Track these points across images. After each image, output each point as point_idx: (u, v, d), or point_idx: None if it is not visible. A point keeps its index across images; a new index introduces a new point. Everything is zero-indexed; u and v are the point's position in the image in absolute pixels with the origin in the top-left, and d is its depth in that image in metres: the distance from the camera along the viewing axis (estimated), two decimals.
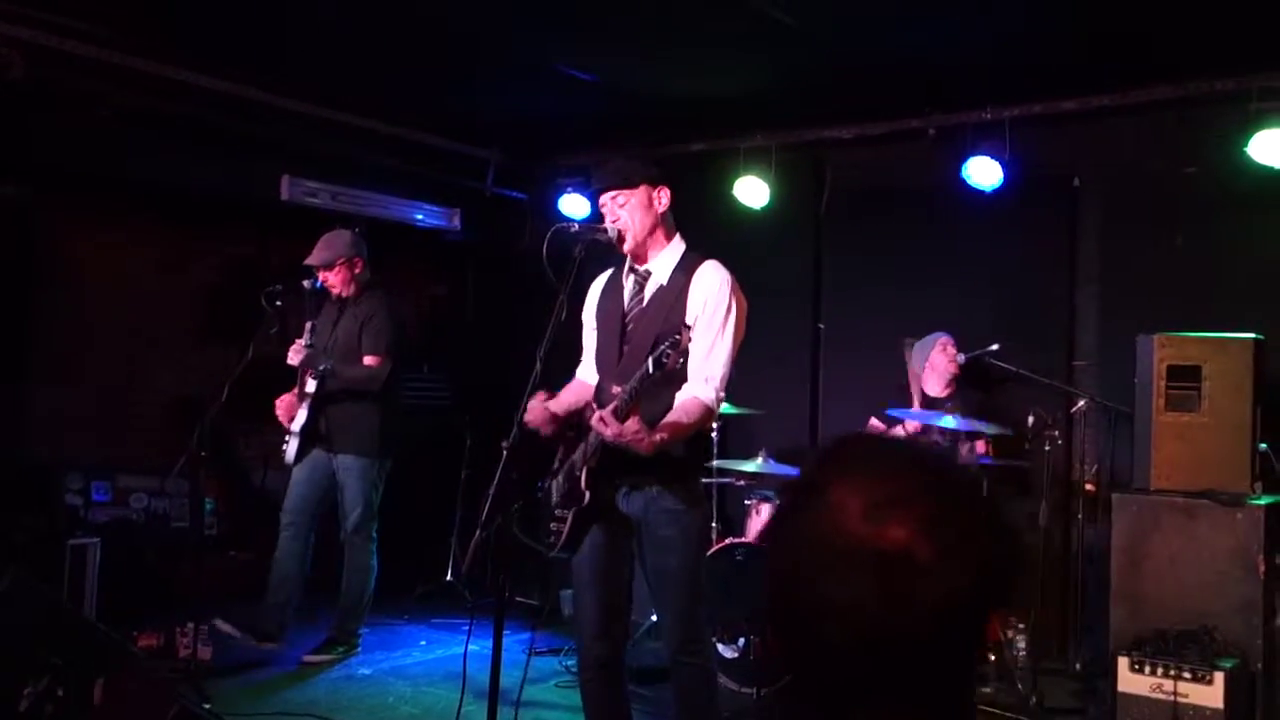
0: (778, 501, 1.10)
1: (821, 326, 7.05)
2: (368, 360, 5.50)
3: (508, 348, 6.55)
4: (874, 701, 1.04)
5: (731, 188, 6.71)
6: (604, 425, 3.06)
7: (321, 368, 5.37)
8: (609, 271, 3.63)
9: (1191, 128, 5.68)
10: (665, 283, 3.41)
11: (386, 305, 5.62)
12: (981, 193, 5.95)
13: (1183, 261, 5.71)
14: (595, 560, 3.41)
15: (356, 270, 5.61)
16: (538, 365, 3.14)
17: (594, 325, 3.60)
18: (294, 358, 5.39)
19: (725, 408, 5.76)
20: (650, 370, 3.01)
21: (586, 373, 3.66)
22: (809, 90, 6.10)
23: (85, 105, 5.93)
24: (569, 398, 3.56)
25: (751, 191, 6.68)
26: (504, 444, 3.03)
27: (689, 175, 6.88)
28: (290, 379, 5.55)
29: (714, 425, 5.83)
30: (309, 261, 5.54)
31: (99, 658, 4.07)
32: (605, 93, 6.21)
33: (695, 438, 3.41)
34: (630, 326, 3.41)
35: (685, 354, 3.03)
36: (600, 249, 3.44)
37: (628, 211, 3.39)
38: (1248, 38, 5.02)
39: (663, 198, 3.45)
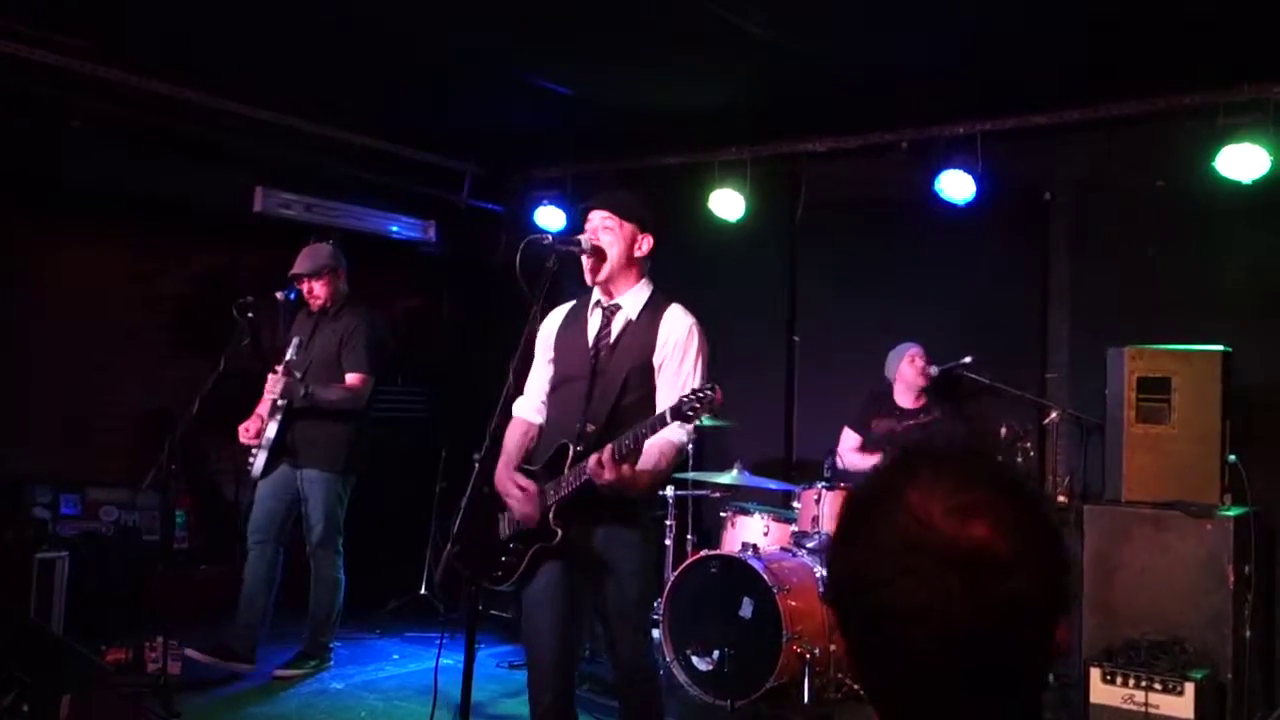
0: (843, 513, 1.13)
1: (796, 338, 7.07)
2: (350, 378, 5.43)
3: (483, 360, 6.53)
4: (952, 708, 1.06)
5: (707, 200, 6.73)
6: (602, 469, 3.01)
7: (303, 393, 5.27)
8: (568, 305, 3.60)
9: (1161, 143, 5.74)
10: (634, 319, 3.42)
11: (368, 321, 5.57)
12: (954, 206, 5.99)
13: (1153, 274, 5.77)
14: (552, 598, 3.33)
15: (340, 282, 5.58)
16: (510, 378, 3.13)
17: (551, 356, 3.56)
18: (273, 389, 5.26)
19: (702, 419, 5.77)
20: (669, 419, 2.99)
21: (528, 409, 3.59)
22: (784, 103, 6.13)
23: (55, 115, 5.88)
24: (520, 443, 3.52)
25: (727, 204, 6.70)
26: (475, 456, 3.01)
27: (664, 188, 6.93)
28: (260, 393, 5.50)
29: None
30: (296, 270, 5.48)
31: (66, 674, 4.02)
32: (581, 106, 6.22)
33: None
34: (600, 360, 3.38)
35: (711, 410, 3.01)
36: (573, 263, 3.43)
37: (611, 236, 3.40)
38: (1215, 54, 5.08)
39: (645, 244, 3.47)
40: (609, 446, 3.02)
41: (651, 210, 3.49)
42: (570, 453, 3.26)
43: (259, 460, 5.40)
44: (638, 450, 3.08)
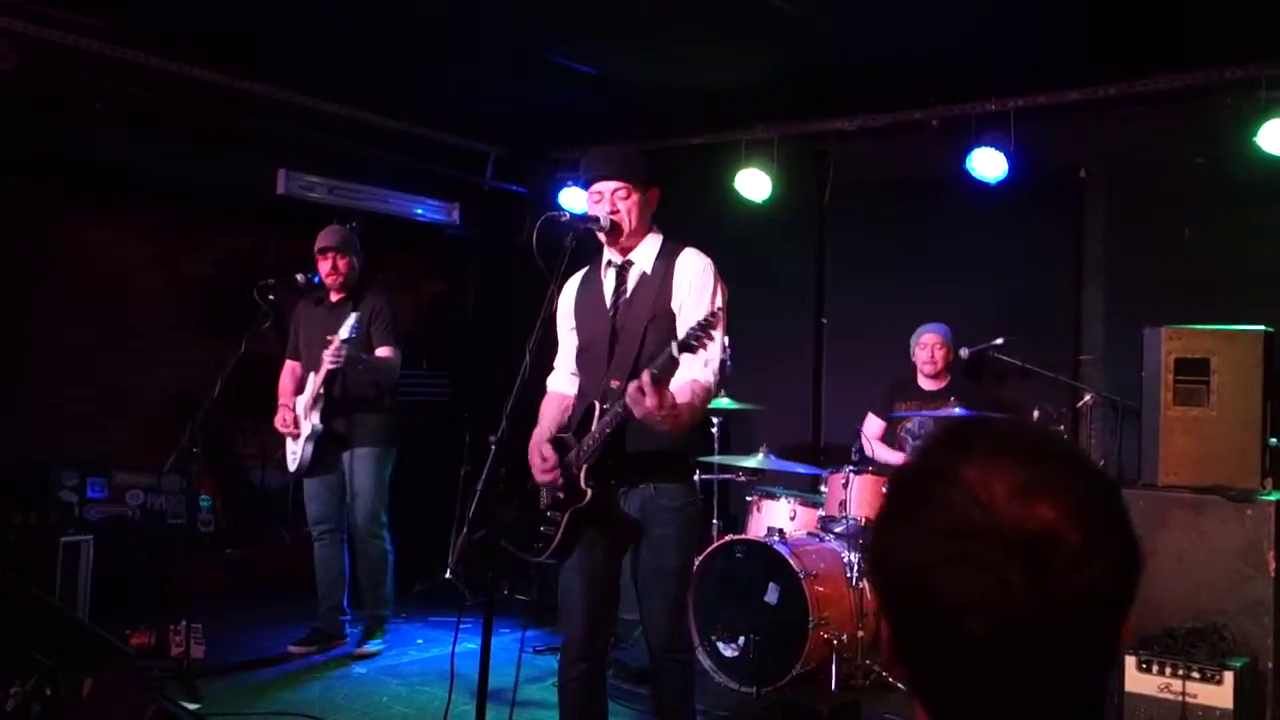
0: (890, 491, 1.05)
1: (824, 321, 6.97)
2: (381, 352, 5.48)
3: (507, 343, 6.47)
4: (1004, 707, 0.96)
5: (733, 181, 6.64)
6: (642, 396, 2.86)
7: (360, 360, 5.30)
8: (581, 272, 3.55)
9: (1199, 118, 5.60)
10: (649, 270, 3.36)
11: (386, 301, 5.61)
12: (986, 185, 5.88)
13: (1190, 253, 5.63)
14: (586, 570, 3.31)
15: (359, 263, 5.60)
16: (527, 358, 3.06)
17: (572, 325, 3.52)
18: (333, 359, 5.21)
19: (727, 403, 5.71)
20: (675, 354, 2.88)
21: (561, 382, 3.58)
22: (811, 82, 6.02)
23: (80, 98, 5.87)
24: (554, 416, 3.49)
25: (753, 184, 6.61)
26: (491, 439, 2.95)
27: (689, 168, 6.85)
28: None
29: (714, 420, 5.81)
30: (322, 244, 5.47)
31: (88, 658, 4.02)
32: (605, 86, 6.15)
33: (689, 431, 3.34)
34: (618, 318, 3.33)
35: (712, 336, 2.91)
36: (590, 240, 3.37)
37: (627, 206, 3.33)
38: (1255, 25, 4.93)
39: (654, 199, 3.44)
40: (645, 371, 2.90)
41: (647, 163, 3.41)
42: (597, 410, 3.21)
43: (303, 452, 5.43)
44: (673, 370, 2.94)
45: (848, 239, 6.90)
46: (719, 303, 3.25)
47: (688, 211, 7.28)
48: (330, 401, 5.42)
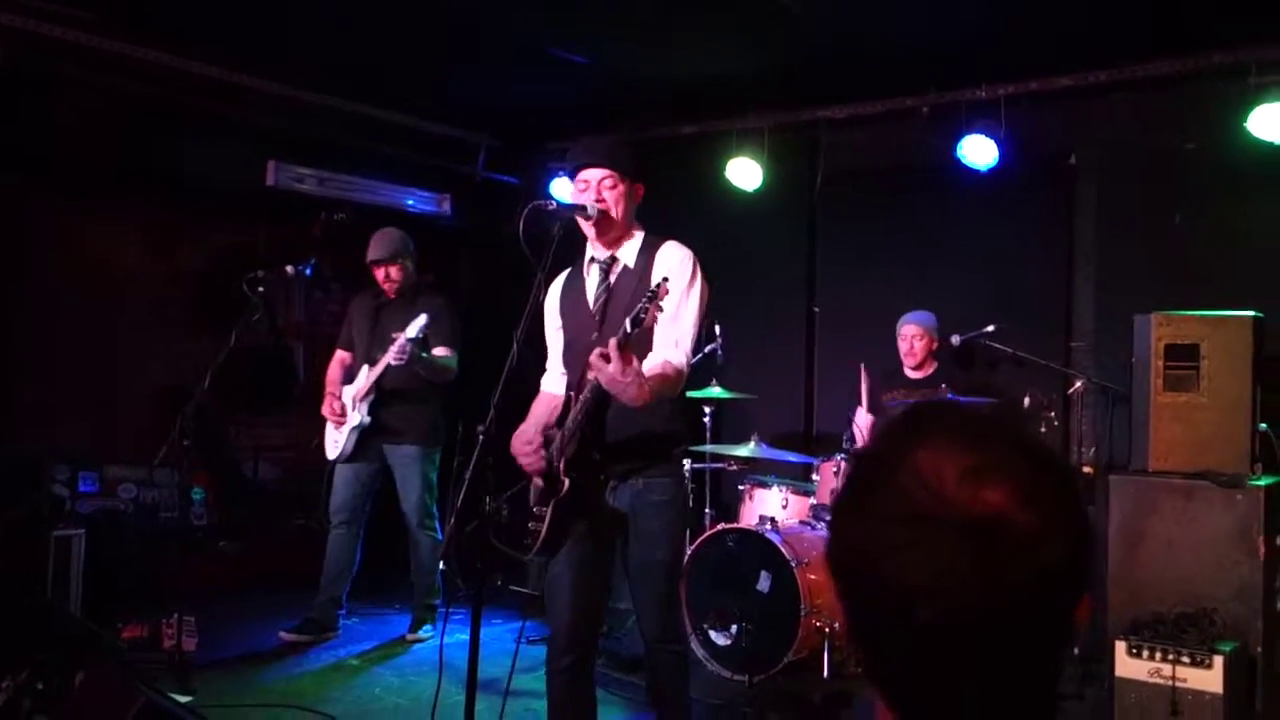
0: (846, 477, 1.05)
1: (816, 309, 6.97)
2: (439, 351, 5.56)
3: (500, 333, 6.47)
4: (958, 691, 0.96)
5: (724, 170, 6.63)
6: (604, 362, 2.87)
7: (423, 356, 5.38)
8: (566, 271, 3.55)
9: (1189, 104, 5.59)
10: (631, 265, 3.37)
11: (446, 302, 5.69)
12: (977, 172, 5.88)
13: (1181, 239, 5.63)
14: (573, 562, 3.31)
15: (412, 266, 5.65)
16: (514, 347, 3.05)
17: (558, 324, 3.53)
18: (398, 356, 5.24)
19: (719, 392, 5.72)
20: (629, 329, 2.90)
21: (553, 382, 3.58)
22: (802, 70, 6.01)
23: (68, 91, 5.85)
24: (541, 415, 3.49)
25: (744, 173, 6.60)
26: (479, 429, 2.95)
27: (681, 158, 6.84)
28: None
29: (706, 410, 5.81)
30: (372, 257, 5.54)
31: (79, 651, 4.01)
32: (596, 75, 6.13)
33: (674, 421, 3.37)
34: (601, 314, 3.34)
35: (660, 308, 2.93)
36: (576, 233, 3.37)
37: (614, 196, 3.33)
38: (1245, 10, 4.92)
39: (639, 195, 3.44)
40: (611, 339, 2.91)
41: (635, 154, 3.42)
42: (573, 401, 3.22)
43: (344, 442, 5.54)
44: (628, 347, 2.92)
45: (839, 227, 6.89)
46: (696, 290, 3.27)
47: (680, 201, 7.29)
48: (381, 395, 5.51)
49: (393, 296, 5.62)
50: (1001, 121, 5.78)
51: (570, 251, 3.49)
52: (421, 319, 5.28)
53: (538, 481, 3.32)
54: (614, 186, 3.32)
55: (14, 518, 5.31)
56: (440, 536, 5.73)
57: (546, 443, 3.28)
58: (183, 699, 4.30)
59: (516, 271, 3.72)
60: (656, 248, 3.36)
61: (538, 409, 3.55)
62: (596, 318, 3.35)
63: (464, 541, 3.21)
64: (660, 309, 2.93)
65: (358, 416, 5.53)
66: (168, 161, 6.41)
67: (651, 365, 3.13)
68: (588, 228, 3.34)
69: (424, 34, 5.64)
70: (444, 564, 6.69)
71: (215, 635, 5.26)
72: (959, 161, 5.88)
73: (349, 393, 5.60)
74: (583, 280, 3.45)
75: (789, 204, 6.89)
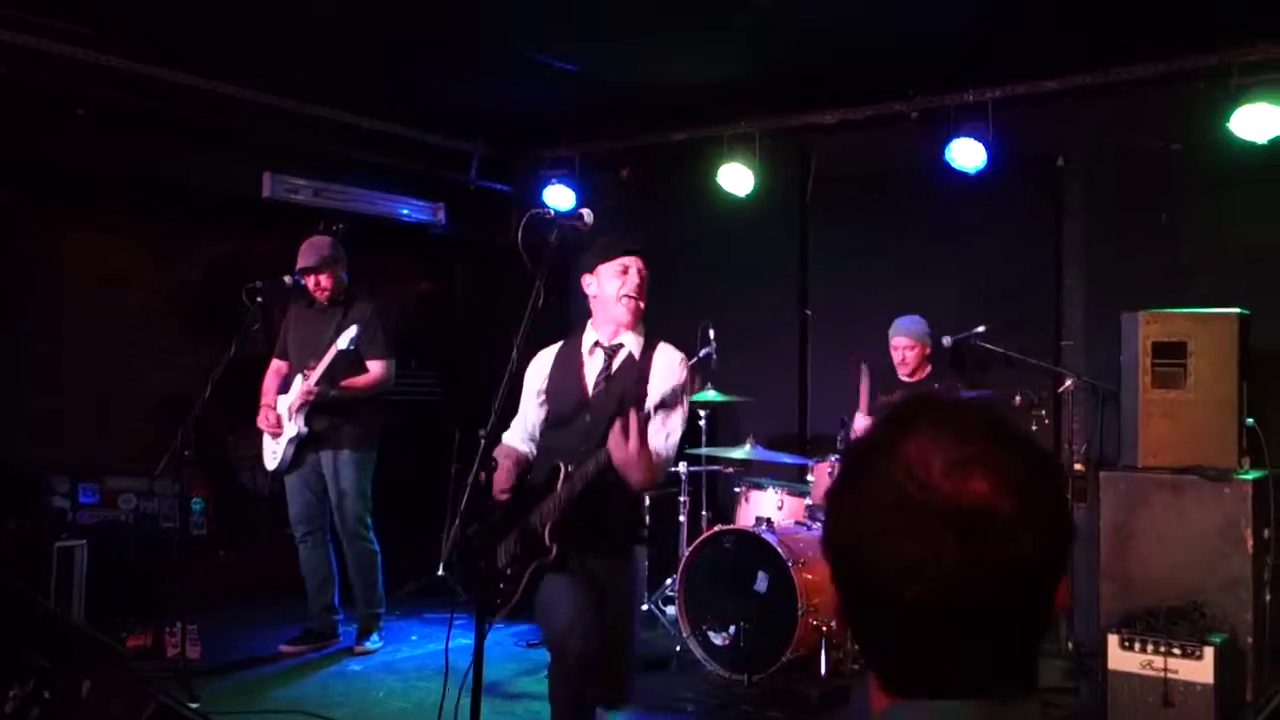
0: (840, 467, 1.10)
1: (809, 312, 7.03)
2: (374, 366, 5.55)
3: (495, 341, 6.53)
4: (946, 667, 1.02)
5: (715, 176, 6.68)
6: (625, 439, 3.06)
7: (332, 393, 5.43)
8: (557, 346, 3.64)
9: (1173, 105, 5.67)
10: (636, 354, 3.50)
11: (379, 309, 5.66)
12: (965, 175, 5.94)
13: (1167, 238, 5.70)
14: (571, 591, 3.35)
15: (343, 272, 5.64)
16: (514, 355, 3.11)
17: (542, 397, 3.59)
18: (306, 396, 5.40)
19: (714, 395, 5.77)
20: (652, 410, 3.18)
21: (515, 439, 3.64)
22: (791, 76, 6.07)
23: (63, 104, 5.88)
24: (509, 453, 3.56)
25: (736, 179, 6.65)
26: (481, 433, 3.00)
27: (673, 164, 6.90)
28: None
29: (702, 413, 5.87)
30: (301, 265, 5.53)
31: (85, 660, 4.05)
32: (587, 83, 6.17)
33: (639, 507, 3.59)
34: (596, 394, 3.45)
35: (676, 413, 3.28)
36: (577, 238, 3.43)
37: (644, 288, 3.49)
38: (1227, 12, 5.00)
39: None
40: (632, 411, 3.06)
41: None
42: (563, 471, 3.30)
43: (283, 453, 5.53)
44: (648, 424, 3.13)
45: (830, 231, 6.96)
46: (686, 393, 3.41)
47: (673, 207, 7.38)
48: (314, 405, 5.48)
49: (325, 304, 5.61)
50: (989, 125, 5.85)
51: (565, 260, 3.55)
52: (352, 330, 5.30)
53: (510, 544, 3.39)
54: (646, 278, 3.48)
55: (16, 530, 5.35)
56: (376, 545, 5.68)
57: (523, 502, 3.38)
58: (189, 706, 4.34)
59: (511, 279, 3.78)
60: (655, 345, 3.52)
61: (501, 450, 3.57)
62: (590, 398, 3.45)
63: (458, 545, 3.25)
64: (672, 415, 3.21)
65: (294, 427, 5.50)
66: (165, 174, 6.45)
67: (652, 443, 3.26)
68: (626, 313, 3.44)
69: (415, 44, 5.68)
70: (443, 571, 6.75)
71: (218, 643, 5.30)
72: (948, 164, 5.94)
73: (284, 403, 5.56)
74: (580, 360, 3.53)
75: (781, 209, 6.95)
